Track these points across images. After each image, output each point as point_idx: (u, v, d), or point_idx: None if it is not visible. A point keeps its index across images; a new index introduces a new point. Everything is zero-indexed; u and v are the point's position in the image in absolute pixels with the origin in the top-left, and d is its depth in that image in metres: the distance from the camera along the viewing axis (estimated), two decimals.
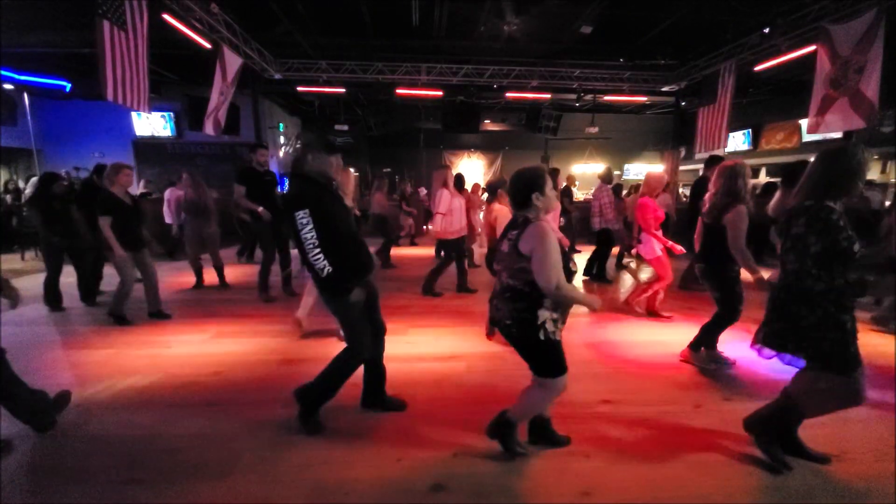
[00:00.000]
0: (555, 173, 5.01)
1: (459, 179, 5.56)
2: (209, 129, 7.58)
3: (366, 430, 2.45)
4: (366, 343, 2.38)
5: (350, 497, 1.95)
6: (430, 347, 3.69)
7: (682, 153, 12.56)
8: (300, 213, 2.10)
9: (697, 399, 2.79)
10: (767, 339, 2.03)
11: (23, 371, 3.12)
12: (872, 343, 3.88)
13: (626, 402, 2.79)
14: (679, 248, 4.24)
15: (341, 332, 3.49)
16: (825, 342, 1.88)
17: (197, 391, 2.90)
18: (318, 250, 2.11)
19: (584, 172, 16.54)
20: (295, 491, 1.98)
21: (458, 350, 3.64)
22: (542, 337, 1.92)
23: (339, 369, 2.36)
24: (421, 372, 3.21)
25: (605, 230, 5.92)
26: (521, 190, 1.96)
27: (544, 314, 1.91)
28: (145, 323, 4.24)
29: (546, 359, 1.99)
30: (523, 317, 1.92)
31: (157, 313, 4.35)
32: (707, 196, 3.05)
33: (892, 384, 3.02)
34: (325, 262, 2.12)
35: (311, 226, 2.10)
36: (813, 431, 2.47)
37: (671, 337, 3.88)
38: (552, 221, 4.68)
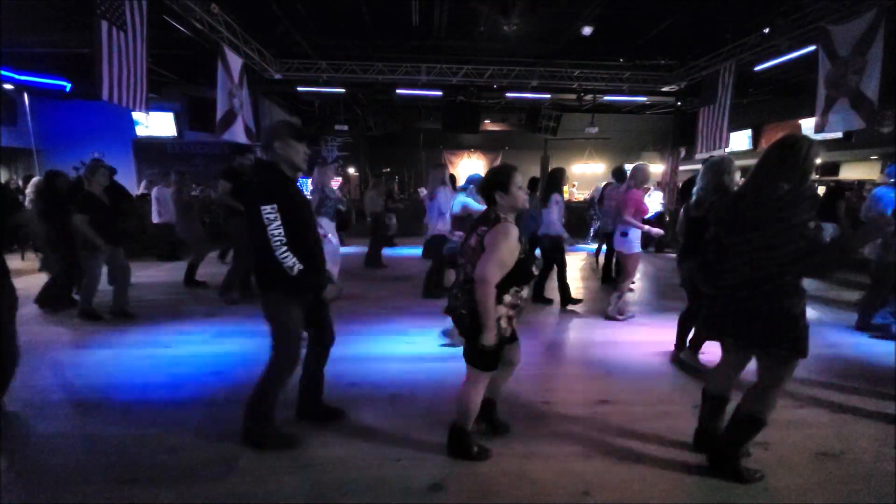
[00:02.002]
0: (561, 174, 4.95)
1: (451, 179, 5.58)
2: (229, 135, 7.49)
3: (365, 430, 2.45)
4: (298, 353, 2.25)
5: (349, 497, 1.95)
6: (431, 347, 3.70)
7: (682, 153, 12.55)
8: (267, 209, 1.95)
9: (696, 399, 2.76)
10: (756, 340, 1.91)
11: (22, 371, 3.13)
12: (869, 343, 3.89)
13: (626, 403, 2.80)
14: (657, 231, 4.28)
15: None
16: (805, 328, 1.87)
17: (197, 391, 2.90)
18: (285, 248, 1.99)
19: (584, 172, 16.54)
20: (294, 491, 1.98)
21: (458, 350, 3.63)
22: None
23: (272, 382, 2.23)
24: (422, 372, 3.21)
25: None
26: (485, 187, 2.05)
27: (500, 310, 1.94)
28: (145, 323, 4.24)
29: (487, 354, 2.01)
30: (479, 310, 1.92)
31: (121, 312, 4.36)
32: (695, 190, 3.05)
33: (891, 385, 3.03)
34: (294, 259, 2.01)
35: (279, 221, 1.97)
36: (813, 432, 2.48)
37: (670, 337, 3.88)
38: (557, 220, 4.71)
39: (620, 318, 4.43)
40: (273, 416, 2.29)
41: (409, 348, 3.68)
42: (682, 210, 3.20)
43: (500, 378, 2.28)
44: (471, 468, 2.13)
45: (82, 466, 2.13)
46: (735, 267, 1.95)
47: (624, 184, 4.58)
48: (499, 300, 1.92)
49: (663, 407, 2.75)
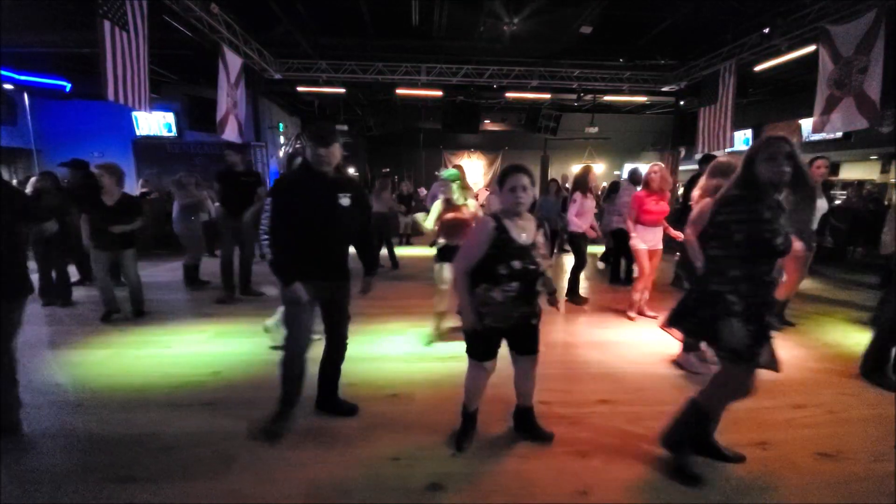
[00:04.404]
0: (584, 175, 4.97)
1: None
2: (228, 135, 7.60)
3: (363, 429, 2.46)
4: (300, 343, 2.36)
5: (347, 496, 1.95)
6: (431, 347, 3.69)
7: (682, 153, 12.55)
8: (266, 201, 2.27)
9: None
10: (691, 329, 2.03)
11: (21, 371, 3.13)
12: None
13: (624, 402, 2.80)
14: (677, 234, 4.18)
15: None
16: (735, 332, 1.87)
17: (195, 391, 2.90)
18: (266, 237, 2.23)
19: None
20: (291, 490, 1.98)
21: (458, 350, 3.63)
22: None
23: (283, 374, 2.38)
24: (421, 372, 3.21)
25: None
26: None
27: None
28: (145, 323, 4.24)
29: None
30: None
31: (139, 312, 4.43)
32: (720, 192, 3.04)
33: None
34: (269, 249, 2.23)
35: (268, 214, 2.23)
36: (812, 432, 2.48)
37: (670, 337, 3.88)
38: (584, 221, 4.80)
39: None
40: (287, 410, 2.45)
41: (409, 348, 3.68)
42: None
43: None
44: (469, 468, 2.14)
45: (81, 466, 2.13)
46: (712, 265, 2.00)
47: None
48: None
49: (662, 407, 2.73)
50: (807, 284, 4.40)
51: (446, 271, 3.60)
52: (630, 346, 3.77)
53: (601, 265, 7.12)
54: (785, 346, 3.76)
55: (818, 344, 3.86)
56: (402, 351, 3.63)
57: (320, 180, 2.27)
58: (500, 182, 2.04)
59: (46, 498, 1.94)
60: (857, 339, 3.99)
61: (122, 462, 2.16)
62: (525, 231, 2.03)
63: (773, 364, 1.93)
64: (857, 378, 3.14)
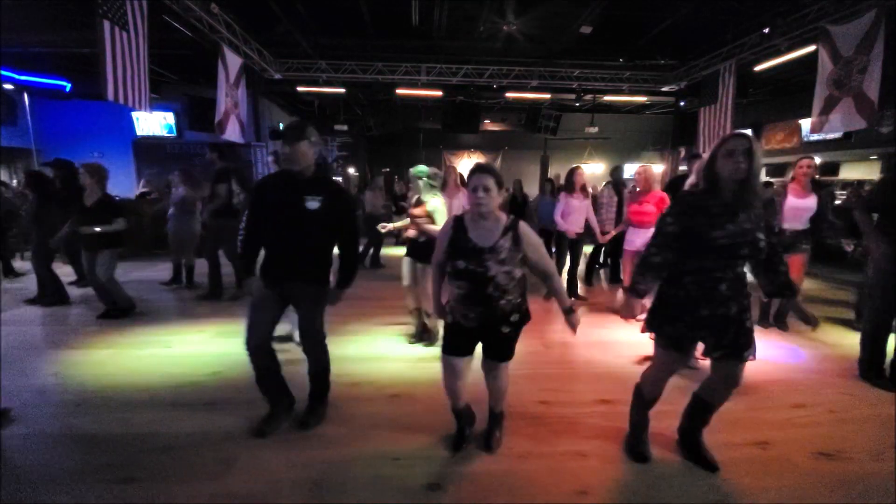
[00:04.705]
0: (568, 174, 4.99)
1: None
2: (229, 135, 7.62)
3: (363, 429, 2.46)
4: (251, 335, 2.34)
5: (347, 496, 1.95)
6: (430, 348, 3.69)
7: (682, 153, 12.55)
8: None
9: None
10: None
11: (22, 371, 3.14)
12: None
13: (623, 402, 2.77)
14: None
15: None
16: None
17: (195, 391, 2.90)
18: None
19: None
20: (291, 490, 1.98)
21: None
22: None
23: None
24: (421, 372, 3.21)
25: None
26: None
27: None
28: (145, 323, 4.24)
29: None
30: None
31: (106, 313, 4.38)
32: None
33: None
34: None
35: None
36: (812, 432, 2.48)
37: None
38: (570, 222, 4.81)
39: None
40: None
41: (409, 348, 3.68)
42: None
43: None
44: (469, 468, 2.14)
45: (81, 466, 2.13)
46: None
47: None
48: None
49: (661, 407, 2.73)
50: (806, 284, 4.40)
51: (405, 267, 3.66)
52: (630, 346, 3.77)
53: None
54: (785, 346, 3.77)
55: (818, 344, 3.86)
56: (404, 351, 3.63)
57: (289, 181, 2.20)
58: (467, 182, 2.03)
59: (46, 498, 1.93)
60: (857, 339, 3.99)
61: (121, 462, 2.16)
62: (487, 233, 1.98)
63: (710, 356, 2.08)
64: (857, 378, 3.15)
